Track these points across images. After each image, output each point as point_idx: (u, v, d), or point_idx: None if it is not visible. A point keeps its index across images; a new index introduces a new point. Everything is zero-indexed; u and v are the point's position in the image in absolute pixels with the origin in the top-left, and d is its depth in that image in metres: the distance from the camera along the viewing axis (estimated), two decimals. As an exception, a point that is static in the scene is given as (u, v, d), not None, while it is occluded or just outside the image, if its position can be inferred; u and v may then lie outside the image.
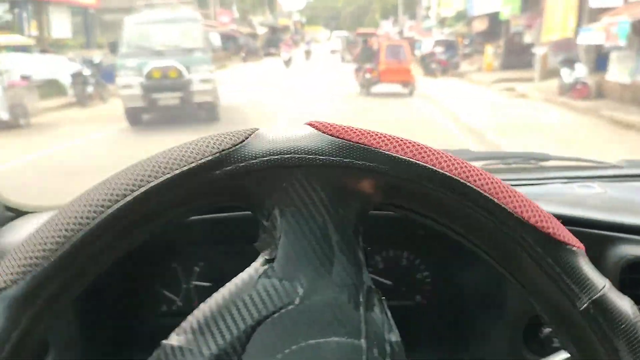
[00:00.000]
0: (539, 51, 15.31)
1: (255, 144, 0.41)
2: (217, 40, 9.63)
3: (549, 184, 1.11)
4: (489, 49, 19.47)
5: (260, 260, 0.43)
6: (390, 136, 0.42)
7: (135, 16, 10.99)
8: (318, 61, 27.87)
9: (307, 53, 28.91)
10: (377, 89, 13.50)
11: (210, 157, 0.40)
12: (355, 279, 0.42)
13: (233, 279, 0.42)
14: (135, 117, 9.57)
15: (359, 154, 0.41)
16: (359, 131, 0.42)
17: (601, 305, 0.40)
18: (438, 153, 0.42)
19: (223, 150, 0.40)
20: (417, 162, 0.41)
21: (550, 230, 0.40)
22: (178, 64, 9.45)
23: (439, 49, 19.55)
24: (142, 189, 0.38)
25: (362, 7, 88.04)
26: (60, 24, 18.50)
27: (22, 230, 0.93)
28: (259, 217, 0.44)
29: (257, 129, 0.42)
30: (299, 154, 0.41)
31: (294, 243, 0.42)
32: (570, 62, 11.87)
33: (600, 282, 0.40)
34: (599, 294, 0.40)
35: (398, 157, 0.41)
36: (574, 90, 11.28)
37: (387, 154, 0.41)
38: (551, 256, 0.40)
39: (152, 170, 0.39)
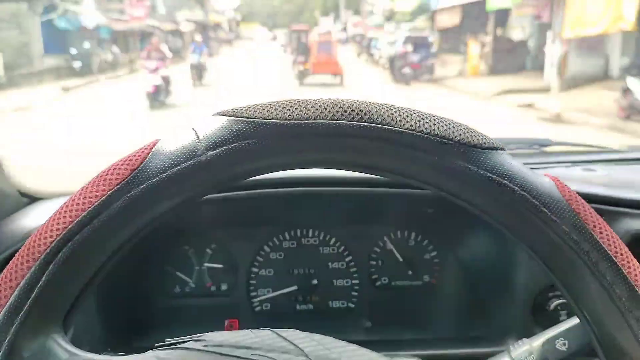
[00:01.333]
0: (555, 51, 11.26)
1: None
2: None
3: (552, 168, 1.12)
4: (473, 48, 15.06)
5: None
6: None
7: None
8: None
9: (197, 70, 13.39)
10: (310, 80, 14.84)
11: None
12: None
13: None
14: None
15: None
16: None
17: None
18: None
19: None
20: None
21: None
22: None
23: (408, 48, 14.58)
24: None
25: (300, 4, 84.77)
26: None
27: (35, 216, 0.93)
28: None
29: None
30: None
31: None
32: (645, 69, 7.81)
33: None
34: None
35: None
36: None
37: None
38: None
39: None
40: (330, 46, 15.67)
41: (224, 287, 1.06)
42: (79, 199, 0.40)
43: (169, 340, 0.41)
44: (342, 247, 1.08)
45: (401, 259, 1.07)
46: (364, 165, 0.41)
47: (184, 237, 1.04)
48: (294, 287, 1.07)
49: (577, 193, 0.43)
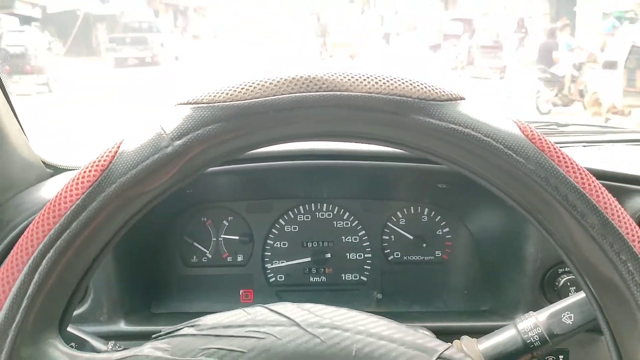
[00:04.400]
0: None
1: None
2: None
3: (569, 147, 1.12)
4: None
5: None
6: None
7: None
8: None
9: None
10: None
11: None
12: None
13: None
14: None
15: None
16: None
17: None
18: None
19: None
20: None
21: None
22: None
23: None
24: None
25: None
26: None
27: (60, 186, 0.90)
28: None
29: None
30: None
31: None
32: None
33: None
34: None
35: None
36: None
37: None
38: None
39: None
40: None
41: (239, 258, 1.11)
42: (54, 205, 0.41)
43: (165, 330, 0.43)
44: (356, 222, 1.11)
45: (413, 234, 1.10)
46: (329, 133, 0.43)
47: (202, 208, 1.09)
48: (308, 259, 1.10)
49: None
